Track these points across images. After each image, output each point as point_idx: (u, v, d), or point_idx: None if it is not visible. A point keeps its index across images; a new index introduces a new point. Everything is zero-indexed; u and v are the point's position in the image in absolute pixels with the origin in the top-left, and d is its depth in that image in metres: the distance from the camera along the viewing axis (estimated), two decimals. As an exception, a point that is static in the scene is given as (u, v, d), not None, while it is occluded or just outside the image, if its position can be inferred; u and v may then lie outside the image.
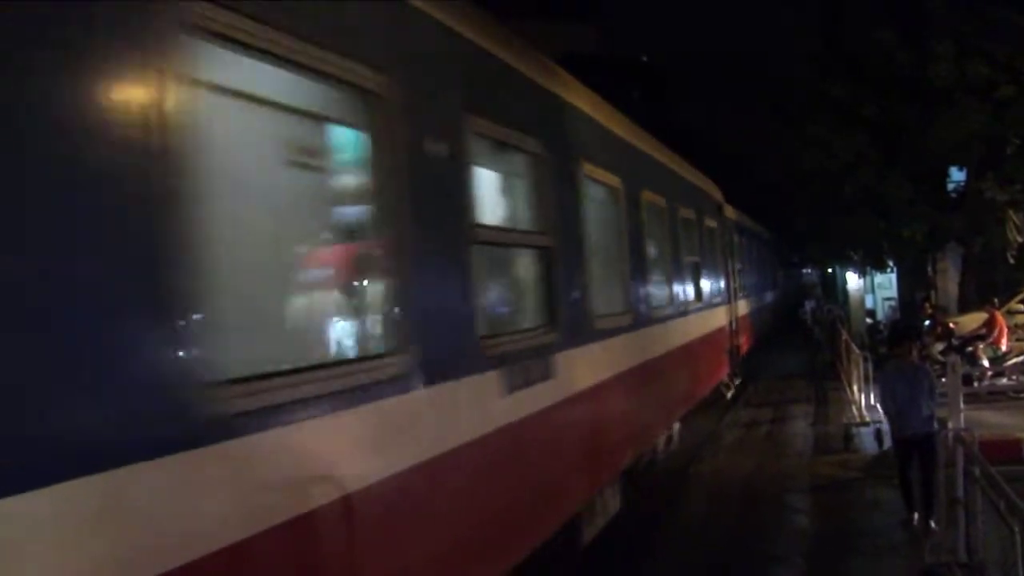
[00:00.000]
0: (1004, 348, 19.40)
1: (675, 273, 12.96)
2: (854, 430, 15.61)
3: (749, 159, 33.70)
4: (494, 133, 6.23)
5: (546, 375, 6.66)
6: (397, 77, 4.66)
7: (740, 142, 34.32)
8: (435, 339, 4.95)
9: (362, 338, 4.99)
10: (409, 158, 4.81)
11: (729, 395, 19.23)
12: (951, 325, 20.64)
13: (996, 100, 20.25)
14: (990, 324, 19.65)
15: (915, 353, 11.01)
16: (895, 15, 21.39)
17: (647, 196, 11.03)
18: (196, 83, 3.31)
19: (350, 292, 5.19)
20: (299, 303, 5.28)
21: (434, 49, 5.40)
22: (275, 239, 4.99)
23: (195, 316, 3.18)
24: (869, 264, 30.16)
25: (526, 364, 6.27)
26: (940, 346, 19.70)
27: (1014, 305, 21.36)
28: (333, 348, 5.10)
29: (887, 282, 35.79)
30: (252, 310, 4.51)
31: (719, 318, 17.57)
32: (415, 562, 4.64)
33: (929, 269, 26.98)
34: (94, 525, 2.69)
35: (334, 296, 5.23)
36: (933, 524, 9.41)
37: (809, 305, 48.30)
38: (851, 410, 17.08)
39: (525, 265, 7.37)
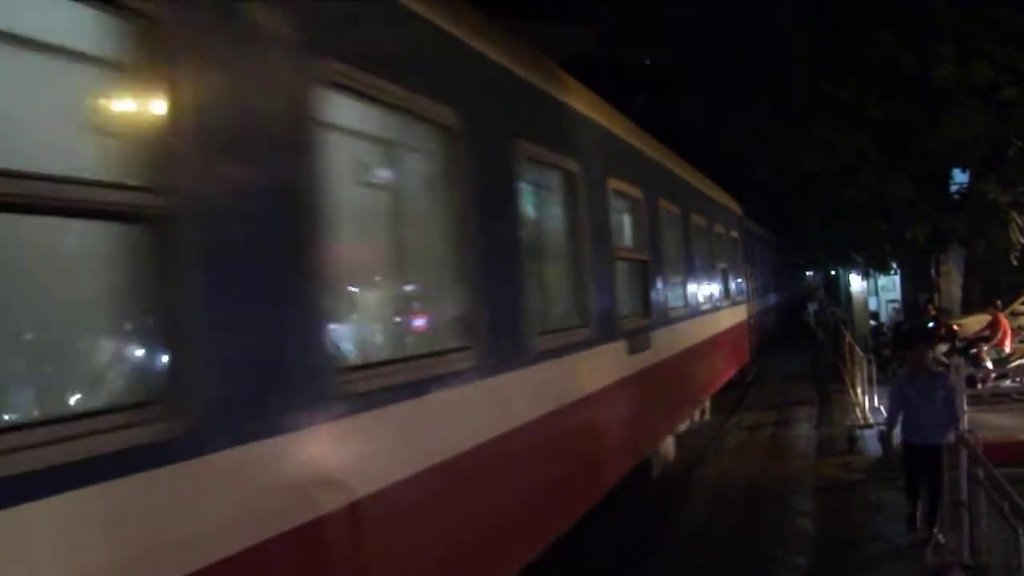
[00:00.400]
0: (1008, 350, 19.40)
1: (712, 277, 16.49)
2: (858, 432, 15.63)
3: (751, 160, 33.69)
4: (624, 188, 9.64)
5: (645, 347, 9.96)
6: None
7: (742, 143, 34.31)
8: (599, 319, 8.16)
9: (573, 316, 7.88)
10: (591, 202, 8.25)
11: (749, 378, 22.96)
12: (955, 327, 20.64)
13: (999, 102, 20.23)
14: (993, 326, 19.66)
15: (930, 359, 10.67)
16: (896, 15, 21.37)
17: (695, 218, 14.46)
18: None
19: (565, 290, 8.09)
20: (534, 298, 6.88)
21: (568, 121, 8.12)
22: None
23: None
24: (872, 266, 30.13)
25: (637, 338, 9.57)
26: (944, 348, 19.69)
27: (1017, 307, 21.36)
28: (571, 321, 7.82)
29: (890, 284, 35.76)
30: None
31: (742, 314, 21.17)
32: (592, 455, 8.08)
33: (932, 271, 26.95)
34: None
35: (562, 292, 8.11)
36: (937, 530, 9.27)
37: (812, 307, 48.30)
38: (855, 412, 17.09)
39: (633, 273, 10.22)
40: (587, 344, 7.74)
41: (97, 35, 3.23)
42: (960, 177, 24.72)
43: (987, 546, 7.75)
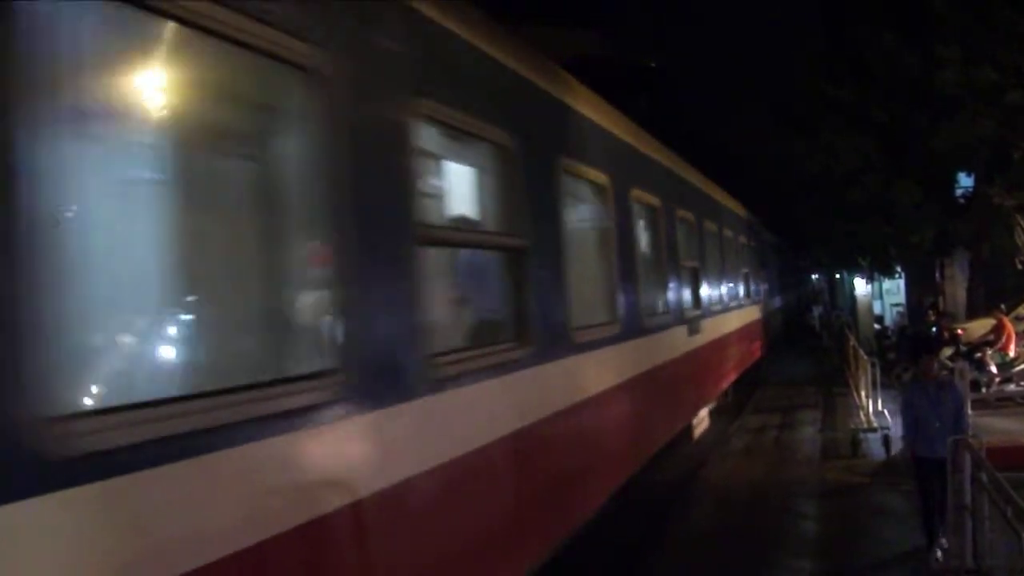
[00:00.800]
0: (1012, 354, 19.37)
1: (738, 280, 19.96)
2: (862, 436, 15.61)
3: (756, 163, 33.70)
4: (685, 216, 12.91)
5: (698, 331, 13.24)
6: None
7: (746, 146, 34.35)
8: (675, 310, 11.55)
9: (657, 308, 10.72)
10: (668, 226, 11.60)
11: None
12: (958, 332, 20.62)
13: (1003, 105, 20.21)
14: (998, 330, 19.63)
15: (936, 369, 10.11)
16: (900, 17, 21.37)
17: (727, 231, 18.18)
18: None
19: (659, 286, 10.99)
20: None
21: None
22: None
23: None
24: (877, 270, 30.14)
25: (693, 324, 12.80)
26: (948, 352, 19.68)
27: (1022, 311, 21.32)
28: (661, 308, 10.93)
29: (895, 288, 35.77)
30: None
31: (758, 311, 24.14)
32: (668, 406, 11.13)
33: (937, 275, 26.95)
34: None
35: (658, 288, 10.95)
36: (940, 535, 9.14)
37: (817, 311, 48.27)
38: (859, 416, 17.07)
39: (687, 277, 12.95)
40: (670, 325, 11.20)
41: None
42: (965, 181, 24.73)
43: (990, 551, 7.68)
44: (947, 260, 26.39)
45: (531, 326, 6.24)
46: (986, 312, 21.53)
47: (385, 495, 4.32)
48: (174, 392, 3.39)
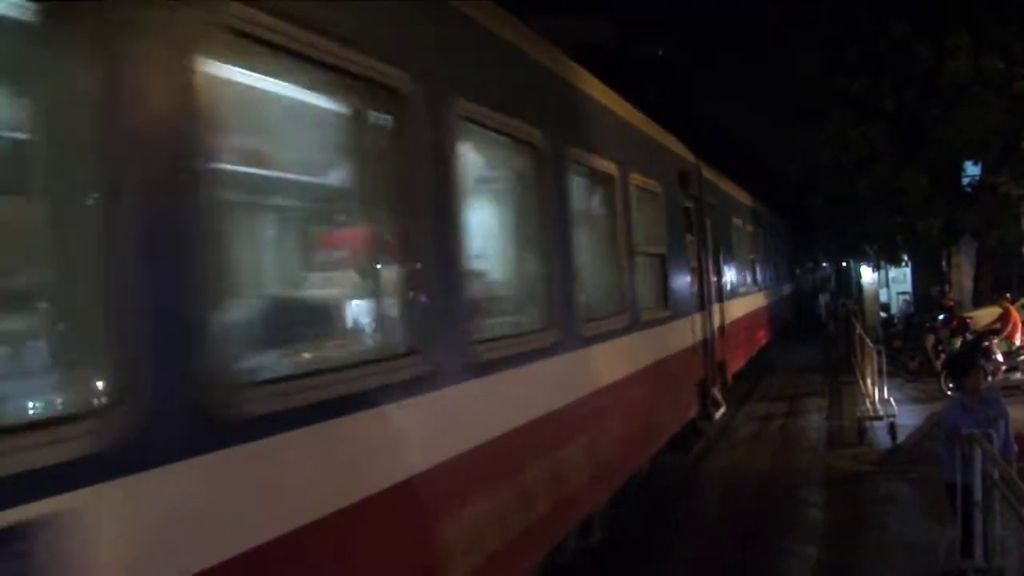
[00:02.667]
0: (1018, 343, 19.39)
1: (757, 266, 24.18)
2: (868, 424, 15.63)
3: (764, 152, 33.67)
4: (745, 225, 20.36)
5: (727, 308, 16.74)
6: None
7: (755, 135, 34.30)
8: (716, 288, 15.62)
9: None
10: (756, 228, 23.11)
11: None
12: (967, 319, 20.66)
13: (1012, 94, 20.21)
14: (1004, 319, 19.65)
15: (984, 384, 8.53)
16: (910, 6, 21.34)
17: (759, 228, 23.55)
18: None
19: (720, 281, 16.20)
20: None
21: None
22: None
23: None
24: (883, 258, 30.11)
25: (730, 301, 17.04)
26: (958, 341, 19.72)
27: (1029, 300, 21.32)
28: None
29: (901, 276, 35.75)
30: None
31: (774, 295, 28.89)
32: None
33: (944, 264, 26.95)
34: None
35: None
36: (952, 531, 8.26)
37: (823, 299, 48.23)
38: (865, 404, 17.10)
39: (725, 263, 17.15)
40: (718, 299, 15.72)
41: None
42: (973, 170, 24.71)
43: (1001, 548, 7.40)
44: (954, 249, 26.39)
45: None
46: (993, 301, 21.56)
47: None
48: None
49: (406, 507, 4.57)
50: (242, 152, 4.34)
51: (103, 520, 2.77)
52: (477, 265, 6.02)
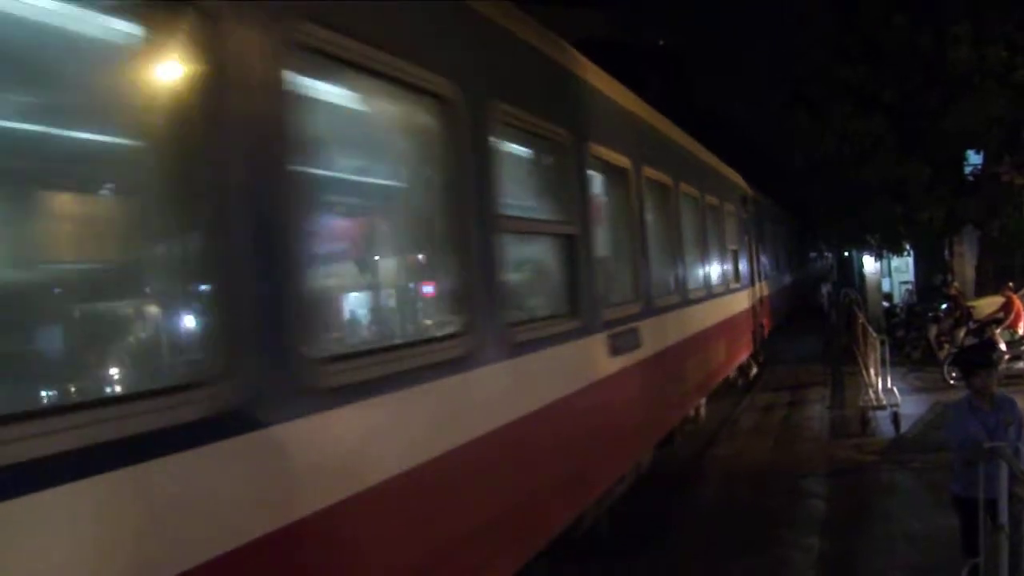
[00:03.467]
0: (1021, 331, 19.39)
1: (773, 258, 28.82)
2: (871, 414, 15.64)
3: (767, 142, 33.64)
4: (770, 227, 26.88)
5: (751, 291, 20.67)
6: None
7: (757, 125, 34.25)
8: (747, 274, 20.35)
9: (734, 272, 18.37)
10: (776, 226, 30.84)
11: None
12: (970, 308, 20.66)
13: (1014, 83, 20.18)
14: (1007, 308, 19.65)
15: (995, 385, 7.27)
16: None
17: (778, 227, 29.55)
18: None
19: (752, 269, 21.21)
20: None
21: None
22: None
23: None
24: (886, 248, 30.07)
25: (752, 286, 20.83)
26: (962, 331, 19.72)
27: (1031, 289, 21.30)
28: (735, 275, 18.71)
29: (904, 265, 35.71)
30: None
31: (785, 280, 34.34)
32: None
33: (946, 253, 26.93)
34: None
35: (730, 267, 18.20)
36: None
37: (825, 289, 48.20)
38: (868, 394, 17.09)
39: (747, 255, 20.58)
40: (744, 287, 19.09)
41: None
42: (975, 159, 24.68)
43: None
44: (956, 238, 26.37)
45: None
46: (995, 290, 21.55)
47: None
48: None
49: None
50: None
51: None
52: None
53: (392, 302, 6.31)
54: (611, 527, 8.75)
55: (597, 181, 8.87)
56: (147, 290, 4.07)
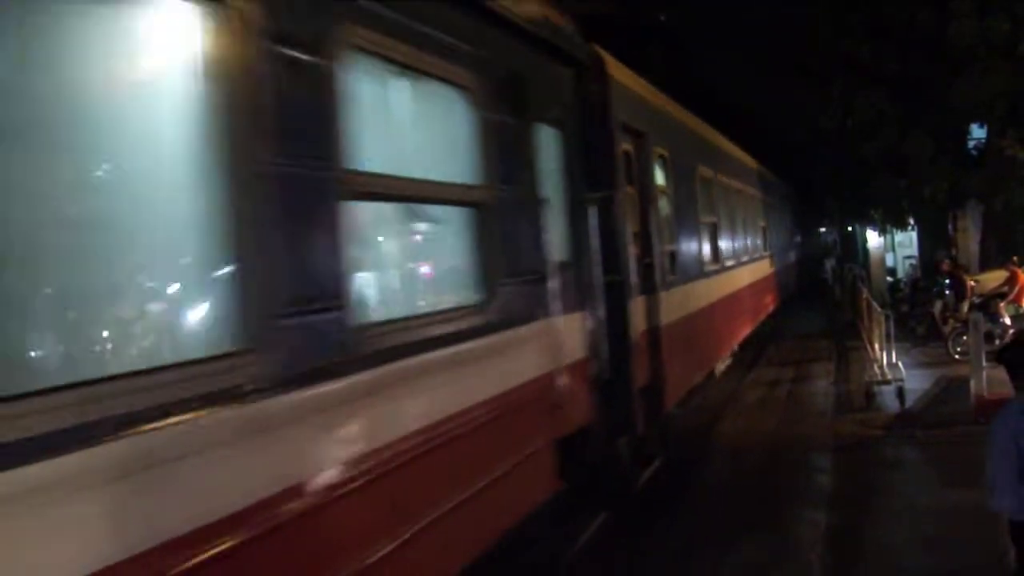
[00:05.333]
0: (1025, 306, 19.39)
1: (785, 236, 33.00)
2: (876, 388, 15.67)
3: (768, 117, 33.52)
4: (787, 206, 35.44)
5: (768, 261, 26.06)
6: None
7: (760, 100, 34.11)
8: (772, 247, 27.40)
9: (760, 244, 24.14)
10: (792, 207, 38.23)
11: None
12: (971, 283, 20.64)
13: (1018, 56, 20.09)
14: (1011, 282, 19.63)
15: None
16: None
17: (793, 207, 37.12)
18: None
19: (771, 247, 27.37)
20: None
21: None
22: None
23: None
24: (889, 223, 30.04)
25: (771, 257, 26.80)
26: (965, 306, 19.72)
27: (1036, 262, 21.28)
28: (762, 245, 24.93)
29: (907, 240, 35.68)
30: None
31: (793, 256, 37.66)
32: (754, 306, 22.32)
33: (950, 227, 26.89)
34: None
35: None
36: None
37: (829, 264, 48.18)
38: (872, 368, 17.13)
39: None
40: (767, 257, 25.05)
41: None
42: (978, 133, 24.61)
43: None
44: (960, 213, 26.32)
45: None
46: (999, 264, 21.54)
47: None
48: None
49: None
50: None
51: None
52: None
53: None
54: (617, 505, 8.75)
55: (721, 190, 16.64)
56: None
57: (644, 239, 9.93)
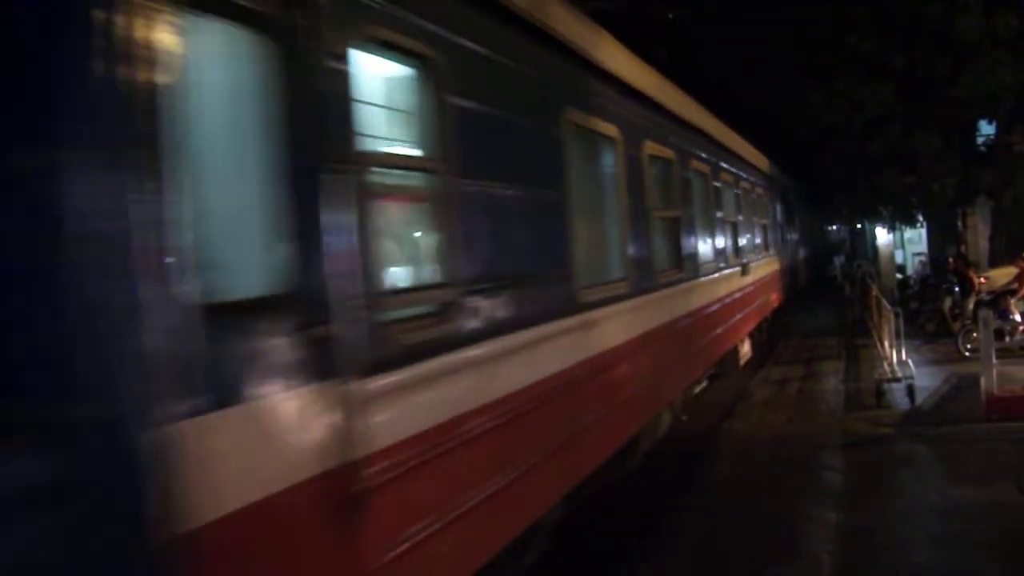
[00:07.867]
0: (1036, 302, 19.32)
1: (791, 235, 31.82)
2: (886, 386, 15.61)
3: (775, 113, 33.45)
4: (795, 203, 34.44)
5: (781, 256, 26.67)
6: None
7: (767, 96, 34.04)
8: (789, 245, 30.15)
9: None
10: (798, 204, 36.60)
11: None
12: (981, 280, 20.60)
13: (1025, 52, 20.07)
14: (1021, 278, 19.57)
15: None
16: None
17: (799, 204, 35.38)
18: None
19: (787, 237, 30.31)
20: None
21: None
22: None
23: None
24: (898, 219, 30.00)
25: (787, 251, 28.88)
26: (970, 303, 19.68)
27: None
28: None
29: (917, 237, 35.64)
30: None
31: (801, 253, 36.61)
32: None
33: (959, 224, 26.84)
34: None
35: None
36: None
37: (838, 261, 48.08)
38: (882, 366, 17.09)
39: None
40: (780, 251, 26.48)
41: None
42: (987, 129, 24.57)
43: None
44: (969, 209, 26.27)
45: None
46: (1009, 261, 21.48)
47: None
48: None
49: None
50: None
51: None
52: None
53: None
54: (624, 500, 8.77)
55: (754, 196, 20.16)
56: None
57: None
